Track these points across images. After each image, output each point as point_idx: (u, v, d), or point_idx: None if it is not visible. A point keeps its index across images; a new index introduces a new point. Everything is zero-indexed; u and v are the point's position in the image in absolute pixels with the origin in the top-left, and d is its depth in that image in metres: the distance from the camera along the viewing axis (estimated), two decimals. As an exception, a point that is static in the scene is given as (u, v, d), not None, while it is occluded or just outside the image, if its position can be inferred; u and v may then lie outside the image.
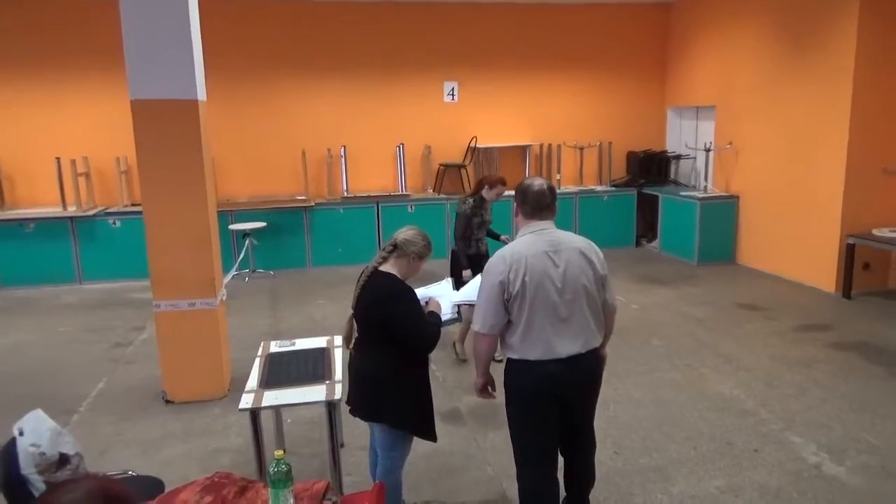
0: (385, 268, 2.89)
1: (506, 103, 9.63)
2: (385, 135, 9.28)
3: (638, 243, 9.80)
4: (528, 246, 2.70)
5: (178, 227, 4.53)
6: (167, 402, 4.69)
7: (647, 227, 9.87)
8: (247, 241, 8.27)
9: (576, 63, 9.70)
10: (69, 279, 8.15)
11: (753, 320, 6.29)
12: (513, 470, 2.96)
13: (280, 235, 8.66)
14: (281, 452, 2.00)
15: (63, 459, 2.59)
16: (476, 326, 2.77)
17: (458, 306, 3.09)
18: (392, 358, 2.83)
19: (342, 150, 9.05)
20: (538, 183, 2.82)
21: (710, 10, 8.89)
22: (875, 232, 6.74)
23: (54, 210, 8.18)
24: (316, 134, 9.04)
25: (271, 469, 1.98)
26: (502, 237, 5.17)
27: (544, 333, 2.66)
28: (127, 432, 4.29)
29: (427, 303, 3.01)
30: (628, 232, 9.69)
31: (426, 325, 2.84)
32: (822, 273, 7.15)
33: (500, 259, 2.70)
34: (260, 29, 8.79)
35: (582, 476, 2.97)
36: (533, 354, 2.68)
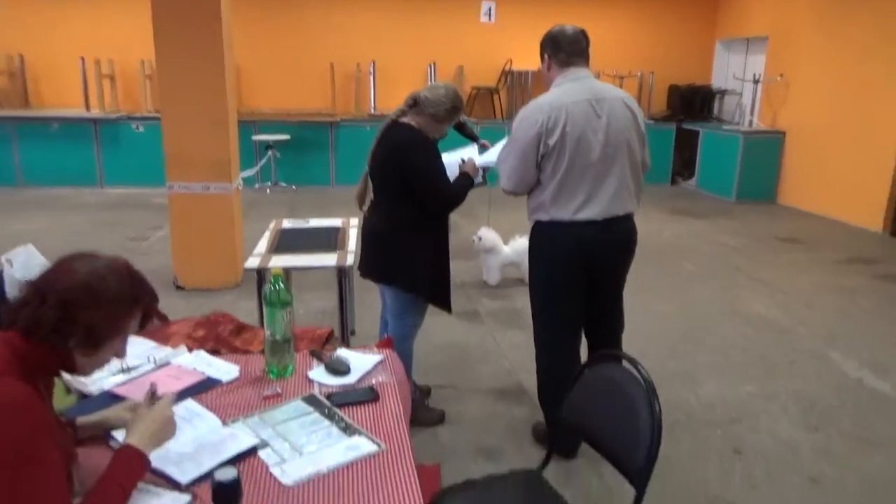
0: (405, 120, 2.64)
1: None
2: (417, 53, 8.91)
3: (673, 181, 9.40)
4: (567, 94, 2.40)
5: (194, 104, 4.32)
6: (178, 287, 4.57)
7: (683, 165, 9.44)
8: (269, 153, 8.08)
9: (621, -14, 9.17)
10: (90, 182, 8.06)
11: (793, 251, 5.95)
12: (531, 364, 2.75)
13: (304, 150, 8.44)
14: (279, 269, 1.79)
15: (53, 293, 2.44)
16: (501, 183, 2.52)
17: (485, 170, 2.83)
18: (408, 216, 2.61)
19: (371, 65, 8.72)
20: (570, 27, 2.53)
21: (770, -69, 8.28)
22: (932, 169, 6.29)
23: (78, 112, 8.04)
24: (346, 48, 8.72)
25: (268, 289, 1.78)
26: (481, 141, 4.56)
27: (580, 192, 2.39)
28: (135, 311, 4.16)
29: (464, 162, 2.75)
30: (664, 168, 9.27)
31: (445, 182, 2.59)
32: (870, 212, 6.74)
33: (537, 108, 2.39)
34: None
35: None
36: (565, 215, 2.41)
